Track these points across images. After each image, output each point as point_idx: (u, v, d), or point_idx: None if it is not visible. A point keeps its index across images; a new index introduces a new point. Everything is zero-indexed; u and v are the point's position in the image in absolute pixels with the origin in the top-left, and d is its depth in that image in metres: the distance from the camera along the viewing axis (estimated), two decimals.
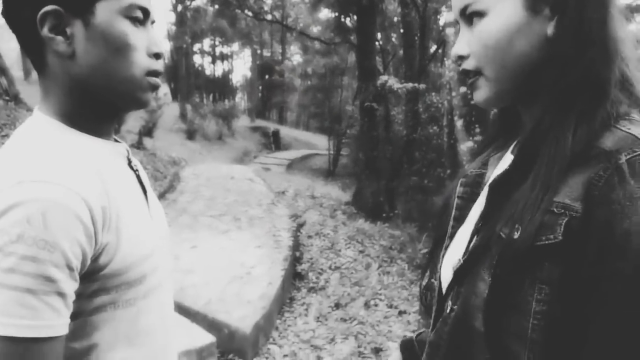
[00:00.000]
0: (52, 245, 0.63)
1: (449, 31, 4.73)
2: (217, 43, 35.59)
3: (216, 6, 16.43)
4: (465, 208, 0.85)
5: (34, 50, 0.77)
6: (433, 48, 12.60)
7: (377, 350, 3.72)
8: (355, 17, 10.20)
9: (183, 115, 19.27)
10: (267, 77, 32.27)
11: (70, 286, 0.66)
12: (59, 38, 0.74)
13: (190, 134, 17.17)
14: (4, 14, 0.76)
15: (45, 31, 0.74)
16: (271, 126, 24.42)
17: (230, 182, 9.14)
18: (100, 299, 0.73)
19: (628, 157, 0.60)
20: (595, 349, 0.59)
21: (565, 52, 0.66)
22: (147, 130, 12.40)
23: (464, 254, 0.75)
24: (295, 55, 34.38)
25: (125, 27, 0.76)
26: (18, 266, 0.62)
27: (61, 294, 0.65)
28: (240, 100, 40.32)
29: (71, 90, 0.78)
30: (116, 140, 0.88)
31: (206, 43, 35.14)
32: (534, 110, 0.72)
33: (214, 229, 5.85)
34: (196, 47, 32.70)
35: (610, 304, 0.58)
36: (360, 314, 4.31)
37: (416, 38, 11.33)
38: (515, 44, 0.68)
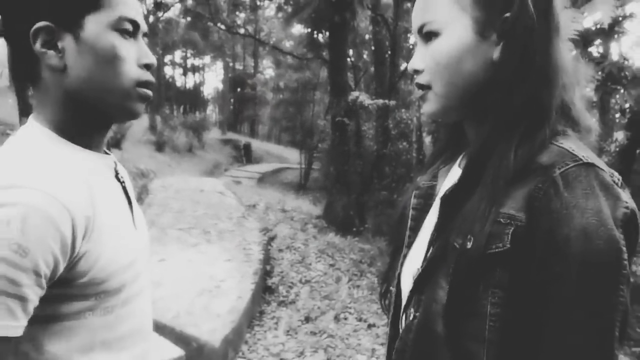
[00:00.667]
0: (25, 250, 0.65)
1: None
2: (188, 55, 35.36)
3: (188, 18, 16.41)
4: (420, 219, 0.91)
5: (28, 64, 0.80)
6: (403, 66, 12.87)
7: None
8: (327, 33, 10.35)
9: (152, 127, 19.03)
10: (239, 90, 32.22)
11: (34, 292, 0.68)
12: (51, 52, 0.77)
13: (160, 146, 16.96)
14: (1, 31, 0.80)
15: (37, 46, 0.77)
16: (242, 139, 24.36)
17: (199, 195, 9.05)
18: (78, 304, 0.75)
19: (561, 170, 0.66)
20: (548, 348, 0.64)
21: (509, 76, 0.72)
22: (116, 142, 12.21)
23: (422, 263, 0.79)
24: (267, 69, 34.51)
25: (114, 40, 0.79)
26: None
27: (22, 298, 0.67)
28: (212, 112, 40.08)
29: (64, 102, 0.80)
30: (106, 152, 0.91)
31: (177, 55, 34.92)
32: (479, 127, 0.77)
33: (183, 242, 5.79)
34: (167, 58, 32.46)
35: (556, 304, 0.63)
36: (330, 327, 4.33)
37: (387, 56, 11.57)
38: (463, 64, 0.74)
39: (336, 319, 4.57)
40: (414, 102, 8.75)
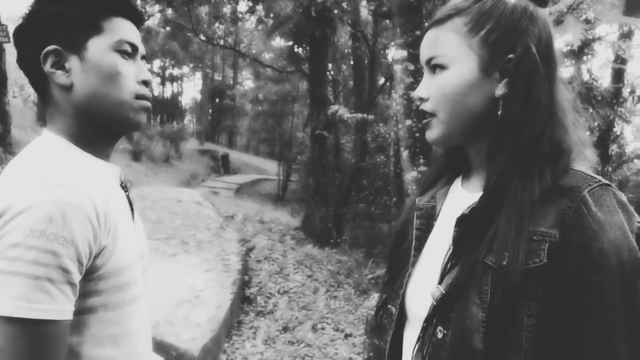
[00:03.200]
0: (70, 242, 0.74)
1: (397, 67, 5.01)
2: (167, 65, 35.19)
3: (168, 28, 16.38)
4: (423, 238, 0.95)
5: (39, 84, 0.90)
6: (381, 81, 13.11)
7: None
8: (308, 47, 10.50)
9: (129, 136, 18.82)
10: (217, 100, 32.15)
11: (78, 278, 0.77)
12: (59, 72, 0.88)
13: (136, 155, 16.78)
14: (17, 57, 0.90)
15: (47, 67, 0.87)
16: (220, 150, 24.25)
17: (177, 206, 9.01)
18: (93, 300, 0.82)
19: (588, 189, 0.75)
20: (588, 350, 0.71)
21: (516, 113, 0.80)
22: None
23: (442, 282, 0.82)
24: (246, 81, 34.55)
25: (115, 59, 0.89)
26: (40, 258, 0.72)
27: (72, 284, 0.76)
28: (189, 122, 39.82)
29: (74, 116, 0.90)
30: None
31: (156, 64, 34.71)
32: (481, 153, 0.86)
33: (160, 252, 5.77)
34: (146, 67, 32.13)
35: (592, 310, 0.71)
36: (307, 337, 4.38)
37: (366, 71, 11.78)
38: (467, 97, 0.82)
39: (314, 328, 4.62)
40: (391, 117, 8.93)
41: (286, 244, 7.42)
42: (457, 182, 0.97)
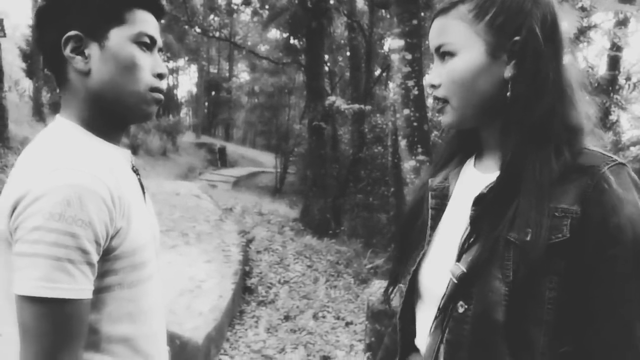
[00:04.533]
0: (87, 224, 0.77)
1: (394, 56, 5.02)
2: (163, 57, 35.00)
3: (163, 21, 16.31)
4: (437, 217, 0.98)
5: (57, 68, 0.92)
6: (378, 71, 13.11)
7: (325, 358, 3.86)
8: (304, 39, 10.48)
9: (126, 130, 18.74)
10: (213, 93, 32.05)
11: (96, 259, 0.81)
12: (79, 58, 0.89)
13: (133, 149, 16.70)
14: (35, 38, 0.92)
15: (67, 51, 0.89)
16: (217, 143, 24.20)
17: (176, 199, 9.02)
18: (109, 279, 0.85)
19: (608, 167, 0.78)
20: (602, 319, 0.75)
21: (525, 92, 0.82)
22: None
23: (460, 259, 0.85)
24: (242, 73, 34.43)
25: (134, 51, 0.91)
26: (60, 240, 0.75)
27: (91, 264, 0.79)
28: (186, 116, 39.71)
29: (88, 101, 0.92)
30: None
31: None
32: (495, 134, 0.89)
33: (161, 244, 5.79)
34: None
35: (608, 282, 0.75)
36: (309, 325, 4.43)
37: (362, 62, 11.77)
38: (477, 82, 0.85)
39: (315, 317, 4.67)
40: (389, 107, 8.95)
41: (285, 235, 7.47)
42: (470, 163, 1.00)
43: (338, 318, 4.72)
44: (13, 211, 0.77)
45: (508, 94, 0.84)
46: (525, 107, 0.82)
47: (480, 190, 0.87)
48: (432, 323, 0.90)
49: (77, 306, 0.77)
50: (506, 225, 0.80)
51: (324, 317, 4.72)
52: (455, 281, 0.84)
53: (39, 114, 11.45)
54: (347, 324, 4.60)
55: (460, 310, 0.83)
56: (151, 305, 0.95)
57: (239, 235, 6.60)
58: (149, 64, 0.94)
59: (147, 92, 0.93)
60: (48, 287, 0.74)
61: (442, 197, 0.99)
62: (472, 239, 0.85)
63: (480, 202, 0.86)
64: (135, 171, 1.02)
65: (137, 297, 0.91)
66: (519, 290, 0.77)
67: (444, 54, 0.88)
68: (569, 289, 0.77)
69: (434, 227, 0.98)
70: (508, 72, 0.84)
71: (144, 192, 1.02)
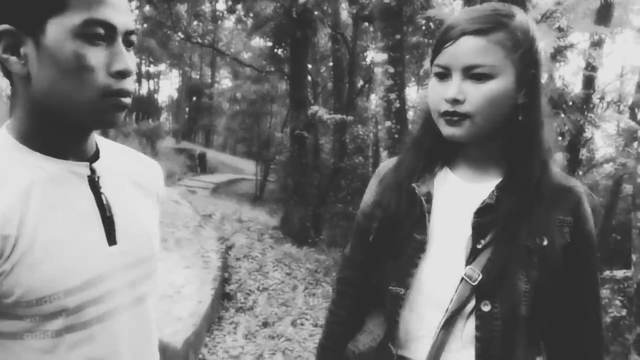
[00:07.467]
0: None
1: (377, 70, 5.13)
2: (144, 61, 34.75)
3: (146, 25, 16.22)
4: (427, 222, 1.00)
5: (3, 71, 0.75)
6: (360, 83, 13.27)
7: None
8: (288, 48, 10.57)
9: (104, 133, 18.53)
10: (194, 99, 31.88)
11: None
12: (13, 59, 0.71)
13: None
14: None
15: (0, 51, 0.71)
16: (197, 148, 24.03)
17: None
18: (12, 323, 0.71)
19: (581, 187, 1.00)
20: (589, 296, 1.02)
21: (535, 119, 0.98)
22: None
23: (471, 263, 0.96)
24: (224, 80, 34.37)
25: (77, 48, 0.70)
26: None
27: None
28: (166, 120, 39.35)
29: (30, 110, 0.75)
30: (88, 159, 0.82)
31: None
32: (481, 147, 1.01)
33: None
34: None
35: (593, 268, 1.03)
36: (287, 331, 4.46)
37: (345, 73, 11.90)
38: (503, 105, 0.94)
39: (293, 324, 4.70)
40: (370, 118, 9.07)
41: (265, 243, 7.48)
42: (445, 172, 1.06)
43: (316, 325, 4.75)
44: None
45: (520, 117, 0.97)
46: (531, 129, 0.98)
47: (484, 201, 0.98)
48: (440, 322, 0.96)
49: None
50: (523, 234, 0.95)
51: (302, 324, 4.75)
52: (473, 284, 0.94)
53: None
54: None
55: (486, 308, 0.94)
56: (97, 355, 0.77)
57: (219, 241, 6.59)
58: (103, 61, 0.72)
59: (101, 99, 0.73)
60: None
61: (428, 202, 1.02)
62: (480, 245, 0.96)
63: (485, 212, 0.97)
64: (95, 186, 0.81)
65: (62, 350, 0.74)
66: (539, 289, 0.94)
67: (480, 75, 0.92)
68: (565, 279, 0.98)
69: (425, 232, 1.00)
70: (521, 99, 0.96)
71: (105, 214, 0.81)
